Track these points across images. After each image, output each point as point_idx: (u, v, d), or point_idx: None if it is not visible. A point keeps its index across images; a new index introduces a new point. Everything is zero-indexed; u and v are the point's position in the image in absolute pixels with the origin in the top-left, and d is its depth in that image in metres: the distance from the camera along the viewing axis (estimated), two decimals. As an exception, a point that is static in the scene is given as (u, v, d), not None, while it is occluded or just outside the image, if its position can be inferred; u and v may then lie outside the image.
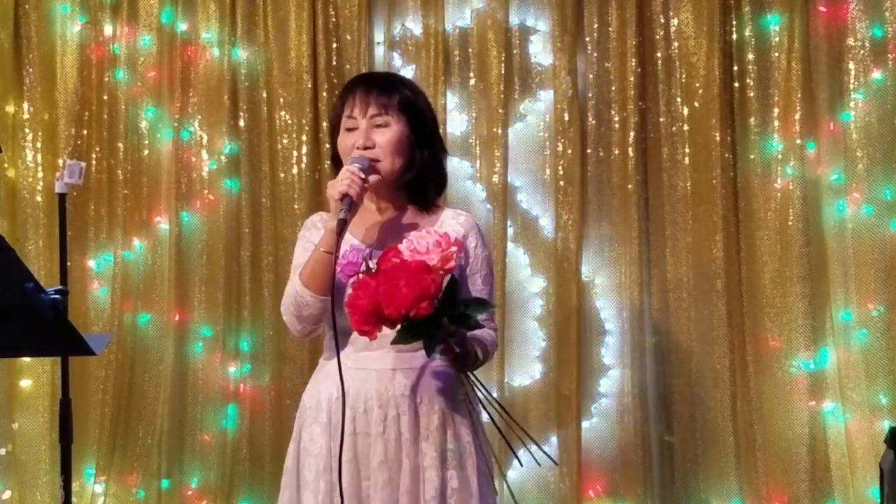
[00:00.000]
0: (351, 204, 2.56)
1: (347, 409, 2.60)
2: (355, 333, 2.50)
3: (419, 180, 2.71)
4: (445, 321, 2.44)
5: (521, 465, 2.82)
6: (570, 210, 4.55)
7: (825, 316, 4.45)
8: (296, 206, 4.64)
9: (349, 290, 2.48)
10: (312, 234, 2.74)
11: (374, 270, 2.43)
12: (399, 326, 2.41)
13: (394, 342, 2.47)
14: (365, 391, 2.62)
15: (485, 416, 2.73)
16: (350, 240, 2.68)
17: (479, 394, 2.61)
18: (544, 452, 2.77)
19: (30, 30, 4.82)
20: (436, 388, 2.63)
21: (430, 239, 2.44)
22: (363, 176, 2.59)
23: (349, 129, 2.69)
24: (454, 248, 2.44)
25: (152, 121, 4.81)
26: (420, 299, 2.35)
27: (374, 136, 2.66)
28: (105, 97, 4.82)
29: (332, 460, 2.62)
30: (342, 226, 2.53)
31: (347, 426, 2.60)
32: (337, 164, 2.74)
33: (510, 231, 4.61)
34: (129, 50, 4.82)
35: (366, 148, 2.65)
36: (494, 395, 4.52)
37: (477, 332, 2.64)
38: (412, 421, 2.61)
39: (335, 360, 2.54)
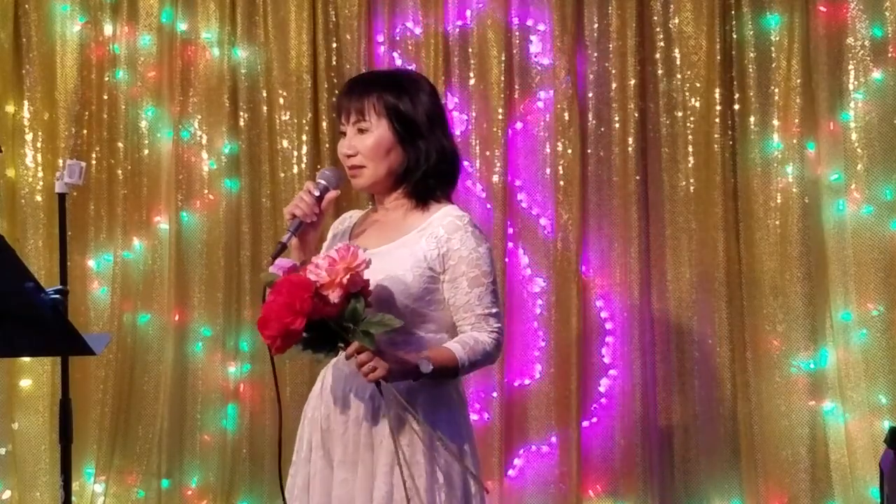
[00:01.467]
0: (300, 225, 2.61)
1: (322, 406, 2.68)
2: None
3: (415, 177, 2.68)
4: (349, 337, 2.45)
5: (487, 492, 2.76)
6: (570, 210, 4.55)
7: (825, 316, 4.45)
8: (296, 206, 4.64)
9: None
10: (330, 236, 2.84)
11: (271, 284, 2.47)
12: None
13: (290, 356, 2.50)
14: (335, 389, 2.66)
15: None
16: (345, 240, 2.73)
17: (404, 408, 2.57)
18: (478, 480, 2.68)
19: (30, 30, 4.82)
20: (394, 396, 2.57)
21: (325, 254, 2.47)
22: (317, 194, 2.63)
23: (342, 134, 2.71)
24: (342, 266, 2.41)
25: (152, 121, 4.81)
26: (290, 314, 2.37)
27: (355, 143, 2.67)
28: (105, 97, 4.82)
29: (312, 453, 2.68)
30: (280, 250, 2.59)
31: (323, 422, 2.66)
32: None
33: (510, 231, 4.61)
34: (129, 50, 4.82)
35: (347, 156, 2.68)
36: (494, 395, 4.54)
37: (460, 339, 2.61)
38: (370, 424, 2.61)
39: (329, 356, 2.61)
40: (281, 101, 4.70)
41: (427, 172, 2.68)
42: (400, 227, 2.69)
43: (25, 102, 4.85)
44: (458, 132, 4.62)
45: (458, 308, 2.63)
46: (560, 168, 4.57)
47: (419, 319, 2.62)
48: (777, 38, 4.49)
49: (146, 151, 4.81)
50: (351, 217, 2.84)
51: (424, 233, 2.65)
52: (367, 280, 2.47)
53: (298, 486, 2.71)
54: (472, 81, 4.62)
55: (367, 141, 2.65)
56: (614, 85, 4.56)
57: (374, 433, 2.60)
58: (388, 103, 2.66)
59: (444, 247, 2.62)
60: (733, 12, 4.50)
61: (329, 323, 2.44)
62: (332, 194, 2.67)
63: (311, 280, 2.41)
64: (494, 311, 2.66)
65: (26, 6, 4.81)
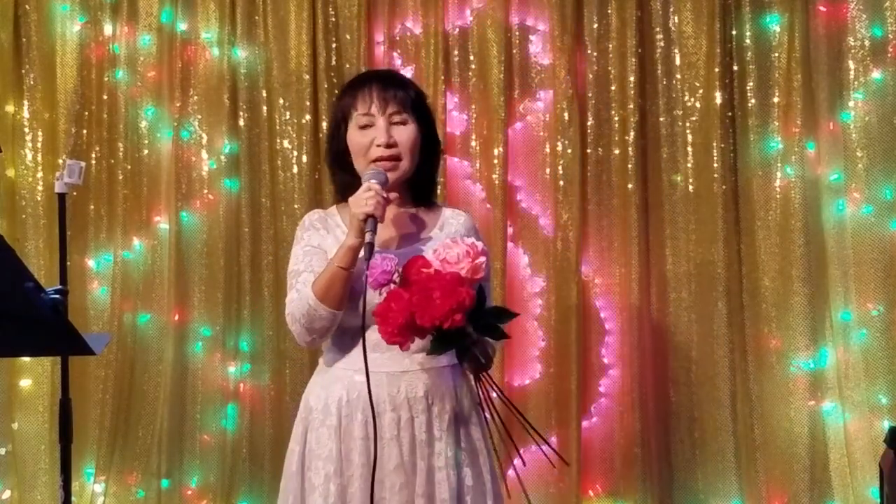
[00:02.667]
0: (375, 224, 2.53)
1: (359, 413, 2.61)
2: (362, 336, 2.48)
3: (426, 178, 2.74)
4: (472, 331, 2.45)
5: (524, 465, 2.82)
6: (569, 210, 4.55)
7: (825, 316, 4.45)
8: (296, 206, 4.64)
9: (377, 299, 2.47)
10: (312, 236, 2.72)
11: (403, 280, 2.44)
12: (432, 337, 2.42)
13: (430, 353, 2.48)
14: (376, 394, 2.57)
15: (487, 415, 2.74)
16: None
17: (494, 394, 2.60)
18: (556, 453, 2.77)
19: (30, 30, 4.82)
20: (446, 388, 2.65)
21: (459, 249, 2.44)
22: (385, 195, 2.56)
23: (363, 127, 2.66)
24: (482, 259, 2.45)
25: (152, 121, 4.81)
26: (455, 311, 2.36)
27: (395, 134, 2.66)
28: (105, 97, 4.82)
29: (344, 464, 2.61)
30: (370, 250, 2.49)
31: (359, 430, 2.60)
32: (338, 161, 2.73)
33: (510, 231, 4.61)
34: (128, 50, 4.82)
35: (388, 146, 2.63)
36: (494, 395, 4.53)
37: None
38: (426, 423, 2.62)
39: (341, 362, 2.59)
40: (281, 101, 4.70)
41: (434, 173, 2.77)
42: (416, 225, 2.71)
43: (25, 102, 4.85)
44: (458, 132, 4.62)
45: None
46: (560, 168, 4.57)
47: None
48: (777, 38, 4.49)
49: (146, 151, 4.81)
50: (326, 216, 2.77)
51: (445, 230, 2.70)
52: None
53: (333, 495, 2.60)
54: (472, 81, 4.62)
55: (406, 133, 2.66)
56: (614, 85, 4.56)
57: (433, 429, 2.62)
58: (420, 101, 2.70)
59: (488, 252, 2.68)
60: (733, 12, 4.50)
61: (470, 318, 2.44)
62: (393, 195, 2.66)
63: (461, 276, 2.40)
64: None
65: (26, 6, 4.81)
